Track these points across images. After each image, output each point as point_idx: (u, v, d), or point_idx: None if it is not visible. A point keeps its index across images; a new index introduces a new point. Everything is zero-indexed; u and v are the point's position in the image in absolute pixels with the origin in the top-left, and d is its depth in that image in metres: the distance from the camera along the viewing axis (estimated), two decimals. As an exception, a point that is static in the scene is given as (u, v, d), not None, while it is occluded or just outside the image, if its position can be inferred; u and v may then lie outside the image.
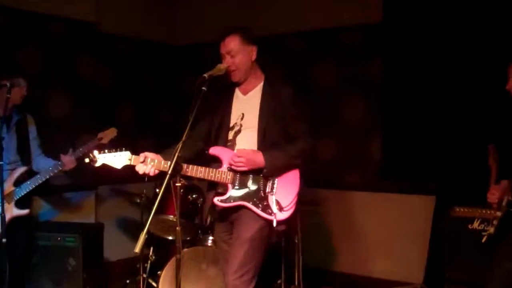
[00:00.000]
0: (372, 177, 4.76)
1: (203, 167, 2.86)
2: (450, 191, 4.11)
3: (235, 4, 5.35)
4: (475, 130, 4.04)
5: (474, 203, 3.53)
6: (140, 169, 2.83)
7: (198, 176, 2.85)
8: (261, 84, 2.99)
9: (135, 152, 2.90)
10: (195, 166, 2.84)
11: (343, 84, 4.91)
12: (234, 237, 2.92)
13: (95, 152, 2.90)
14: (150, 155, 2.85)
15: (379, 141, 4.72)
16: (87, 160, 2.91)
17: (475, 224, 3.77)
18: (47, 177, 3.76)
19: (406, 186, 4.54)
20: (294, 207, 2.86)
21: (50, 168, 3.76)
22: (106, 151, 2.89)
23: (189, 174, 2.82)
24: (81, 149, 3.82)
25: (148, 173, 2.83)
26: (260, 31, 4.04)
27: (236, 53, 2.89)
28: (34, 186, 3.73)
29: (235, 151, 2.91)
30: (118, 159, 2.87)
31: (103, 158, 2.88)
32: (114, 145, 3.00)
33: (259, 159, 2.82)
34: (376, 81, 4.69)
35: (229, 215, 2.96)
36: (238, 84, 3.01)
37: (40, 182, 3.74)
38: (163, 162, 2.82)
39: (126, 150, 2.89)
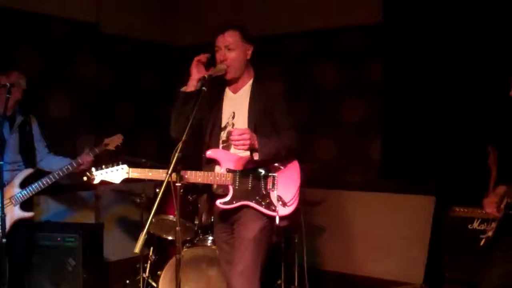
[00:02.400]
0: (372, 177, 4.76)
1: (201, 172, 2.85)
2: (450, 191, 4.12)
3: (235, 4, 5.35)
4: (475, 131, 4.04)
5: (474, 203, 3.54)
6: None
7: (197, 180, 2.84)
8: (251, 81, 2.97)
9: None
10: (193, 172, 2.82)
11: (343, 84, 4.91)
12: (236, 238, 2.90)
13: (93, 169, 2.88)
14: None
15: (379, 141, 4.73)
16: (85, 178, 2.87)
17: (475, 224, 3.77)
18: (61, 175, 3.72)
19: (406, 186, 4.54)
20: (297, 202, 2.86)
21: (66, 167, 3.74)
22: (103, 166, 2.87)
23: (187, 179, 2.80)
24: (95, 149, 3.85)
25: None
26: (260, 31, 4.06)
27: (234, 47, 2.87)
28: (43, 187, 3.70)
29: (231, 151, 2.89)
30: (115, 174, 2.85)
31: (100, 175, 2.86)
32: (109, 157, 2.96)
33: (255, 140, 2.73)
34: (376, 82, 4.69)
35: (230, 215, 2.94)
36: (228, 83, 2.99)
37: (50, 182, 3.70)
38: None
39: (122, 163, 2.86)
